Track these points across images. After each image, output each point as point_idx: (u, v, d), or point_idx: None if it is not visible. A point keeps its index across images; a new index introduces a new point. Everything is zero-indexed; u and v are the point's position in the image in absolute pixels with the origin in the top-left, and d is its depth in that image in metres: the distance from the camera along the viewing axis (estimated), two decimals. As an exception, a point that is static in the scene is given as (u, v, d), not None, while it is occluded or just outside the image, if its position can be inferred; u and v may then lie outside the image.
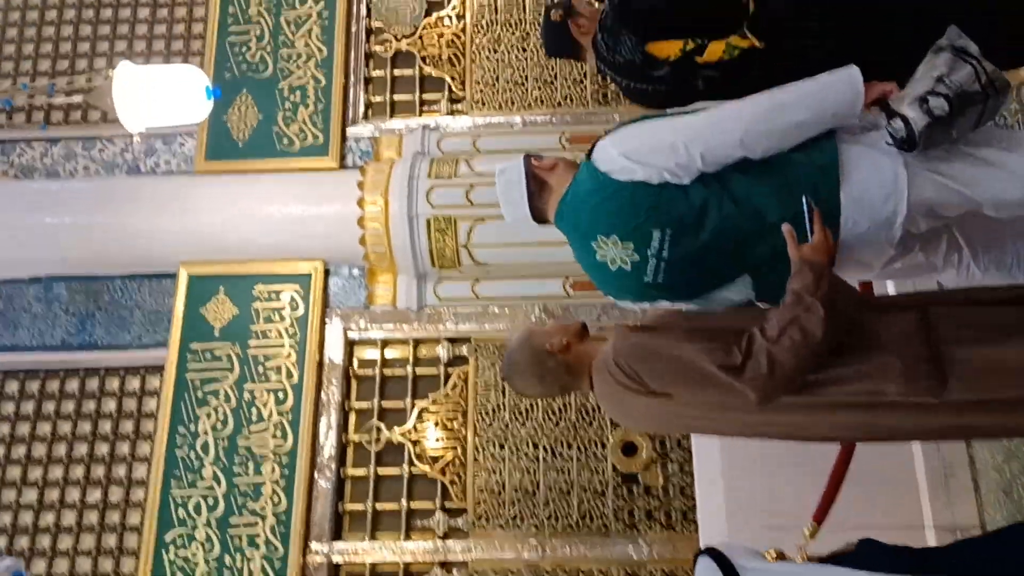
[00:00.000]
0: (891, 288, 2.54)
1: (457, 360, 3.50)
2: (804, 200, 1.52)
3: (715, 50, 1.92)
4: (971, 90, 1.51)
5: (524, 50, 3.88)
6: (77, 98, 2.96)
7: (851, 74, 1.62)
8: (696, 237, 1.69)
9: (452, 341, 3.51)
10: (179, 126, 3.31)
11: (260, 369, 3.40)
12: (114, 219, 3.52)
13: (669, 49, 1.95)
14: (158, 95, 2.80)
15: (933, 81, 1.52)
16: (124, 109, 2.76)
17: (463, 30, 3.94)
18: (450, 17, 3.97)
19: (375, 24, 3.99)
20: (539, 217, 1.85)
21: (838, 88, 1.64)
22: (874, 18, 1.92)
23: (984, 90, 1.51)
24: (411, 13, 3.97)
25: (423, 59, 3.92)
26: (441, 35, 3.94)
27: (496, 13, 3.93)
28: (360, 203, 3.44)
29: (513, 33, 3.90)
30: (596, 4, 2.24)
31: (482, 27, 3.92)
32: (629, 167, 1.69)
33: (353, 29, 3.94)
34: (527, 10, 3.92)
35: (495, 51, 3.89)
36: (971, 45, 1.54)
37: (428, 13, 3.97)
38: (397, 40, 3.95)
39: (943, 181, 1.65)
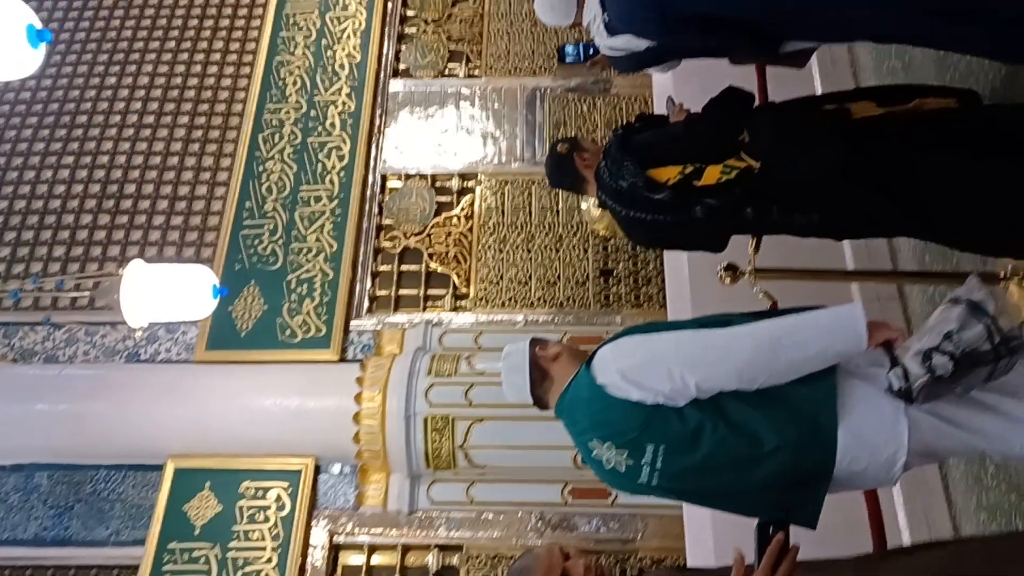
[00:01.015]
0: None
1: (447, 571, 3.30)
2: (756, 529, 1.39)
3: (712, 173, 1.98)
4: (981, 350, 1.46)
5: (529, 251, 3.98)
6: (85, 292, 3.01)
7: (854, 315, 1.61)
8: (690, 456, 1.68)
9: (443, 548, 3.32)
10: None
11: (238, 575, 3.21)
12: (108, 407, 3.47)
13: (669, 173, 2.02)
14: (165, 293, 2.84)
15: (940, 337, 1.47)
16: (129, 306, 2.78)
17: (470, 229, 4.07)
18: (458, 217, 4.11)
19: (386, 221, 4.13)
20: (540, 404, 1.88)
21: (841, 330, 1.62)
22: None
23: (996, 349, 1.46)
24: (421, 212, 4.13)
25: (430, 256, 4.02)
26: (449, 233, 4.07)
27: (503, 215, 4.08)
28: (358, 398, 3.39)
29: (519, 234, 4.02)
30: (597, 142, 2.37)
31: (489, 227, 4.06)
32: (624, 386, 1.70)
33: (364, 225, 4.08)
34: (532, 213, 4.07)
35: (500, 251, 4.00)
36: (989, 302, 1.51)
37: (438, 213, 4.12)
38: (406, 237, 4.08)
39: (947, 429, 1.60)
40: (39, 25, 2.13)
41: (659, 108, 4.09)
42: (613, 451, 1.75)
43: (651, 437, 1.69)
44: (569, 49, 3.08)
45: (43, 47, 2.10)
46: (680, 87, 3.21)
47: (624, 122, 2.26)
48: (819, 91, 3.27)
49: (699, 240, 2.21)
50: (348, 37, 4.54)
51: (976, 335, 1.47)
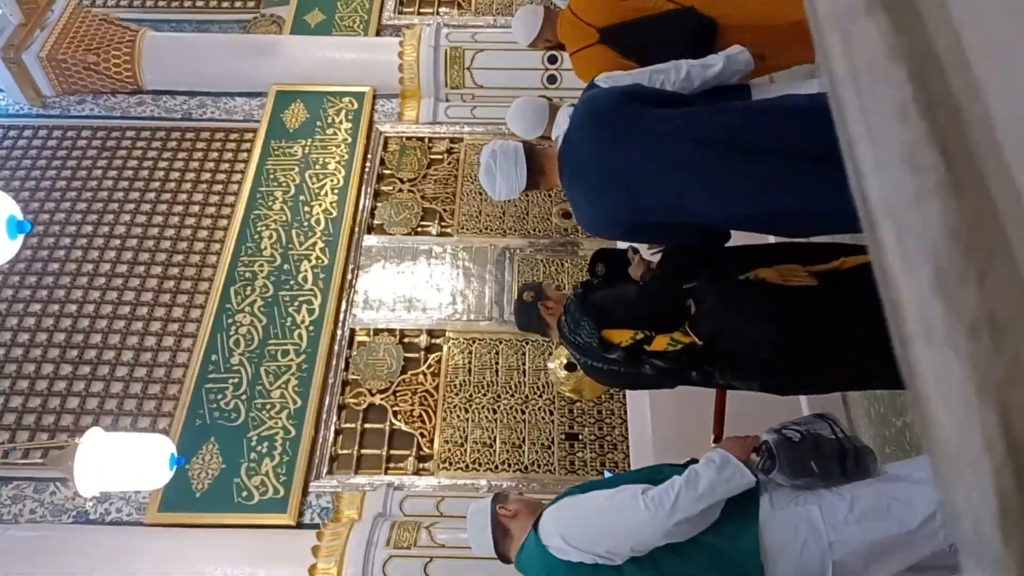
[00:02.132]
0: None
1: None
2: None
3: (661, 342, 2.16)
4: (825, 435, 1.92)
5: (495, 411, 3.99)
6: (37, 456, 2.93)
7: (738, 465, 1.95)
8: None
9: None
10: (136, 485, 3.25)
11: None
12: (49, 573, 3.31)
13: (621, 336, 2.19)
14: (121, 463, 2.78)
15: (791, 423, 1.99)
16: (82, 476, 2.71)
17: (436, 388, 4.08)
18: (425, 374, 4.13)
19: (352, 377, 4.14)
20: (504, 559, 2.12)
21: (734, 476, 1.93)
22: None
23: (839, 439, 1.91)
24: (388, 369, 4.14)
25: (395, 414, 4.01)
26: (415, 391, 4.07)
27: (470, 374, 4.11)
28: (312, 570, 3.28)
29: (485, 394, 4.04)
30: (562, 290, 2.56)
31: (455, 386, 4.07)
32: (565, 549, 1.93)
33: (330, 381, 4.07)
34: (499, 372, 4.10)
35: (466, 411, 4.00)
36: (840, 422, 2.00)
37: (404, 370, 4.14)
38: (371, 394, 4.07)
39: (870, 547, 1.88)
40: (20, 216, 2.19)
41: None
42: None
43: None
44: None
45: (21, 237, 2.15)
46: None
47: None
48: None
49: (652, 385, 2.45)
50: (326, 194, 4.70)
51: (822, 426, 1.96)
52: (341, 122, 4.98)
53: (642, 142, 2.15)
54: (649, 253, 2.56)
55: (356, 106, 5.04)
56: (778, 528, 1.91)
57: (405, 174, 4.88)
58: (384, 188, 4.85)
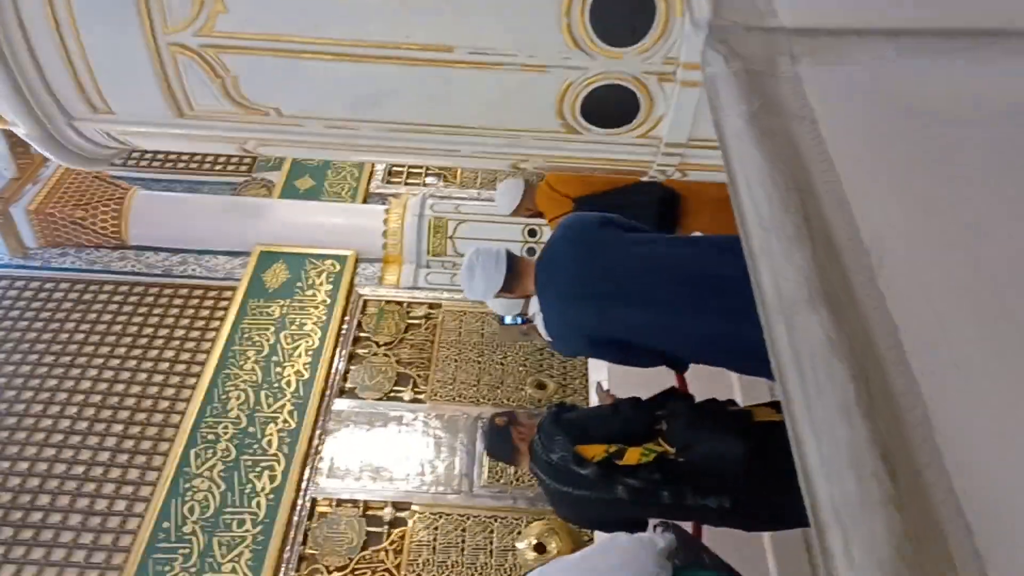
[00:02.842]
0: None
1: None
2: None
3: (633, 455, 2.22)
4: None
5: (458, 594, 3.77)
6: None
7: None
8: None
9: None
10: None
11: None
12: None
13: (594, 451, 2.25)
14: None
15: None
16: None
17: (398, 567, 3.87)
18: (387, 551, 3.93)
19: (309, 551, 3.92)
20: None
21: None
22: None
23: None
24: (348, 544, 3.94)
25: (352, 595, 3.77)
26: (374, 571, 3.86)
27: (434, 552, 3.91)
28: None
29: None
30: (533, 419, 2.56)
31: (417, 566, 3.87)
32: None
33: (286, 555, 3.86)
34: (464, 551, 3.91)
35: (428, 593, 3.78)
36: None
37: (365, 546, 3.94)
38: (328, 572, 3.84)
39: None
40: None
41: (592, 396, 4.22)
42: None
43: None
44: (507, 319, 3.68)
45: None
46: (613, 374, 3.65)
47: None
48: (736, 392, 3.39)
49: (620, 520, 2.34)
50: (299, 355, 4.67)
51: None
52: (321, 284, 5.04)
53: (615, 264, 2.29)
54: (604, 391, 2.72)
55: (338, 269, 5.12)
56: None
57: (382, 337, 4.89)
58: (359, 351, 4.83)
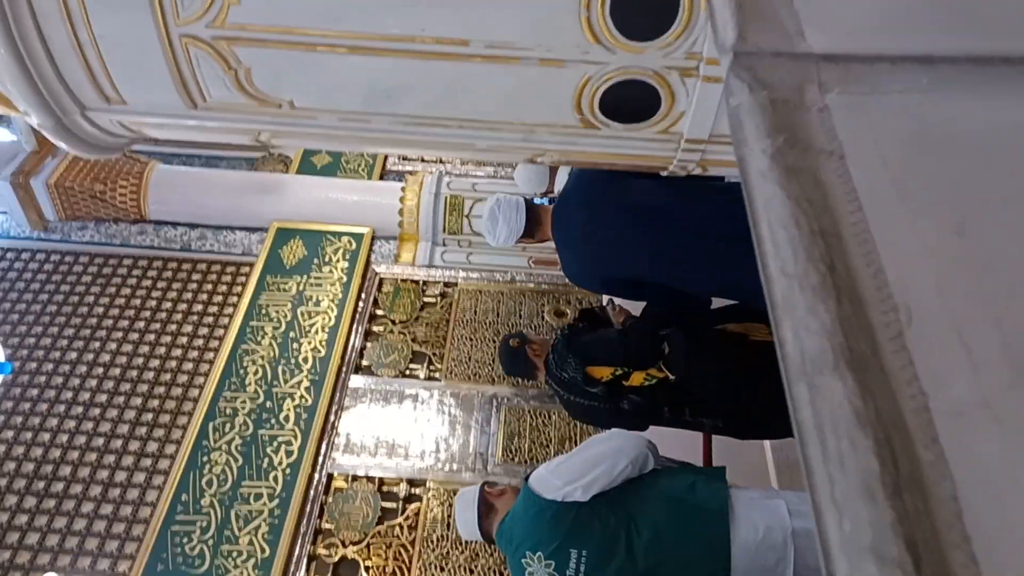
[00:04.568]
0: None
1: None
2: None
3: (637, 377, 2.48)
4: None
5: (471, 572, 3.81)
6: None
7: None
8: (607, 566, 2.07)
9: None
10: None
11: None
12: None
13: (603, 372, 2.51)
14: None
15: None
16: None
17: (412, 542, 3.92)
18: (401, 527, 3.98)
19: (326, 525, 3.98)
20: (486, 536, 2.36)
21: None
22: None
23: None
24: (363, 519, 3.99)
25: (366, 568, 3.82)
26: (389, 545, 3.91)
27: (448, 529, 3.95)
28: None
29: (462, 552, 3.87)
30: (542, 335, 2.86)
31: (432, 541, 3.91)
32: (567, 490, 2.18)
33: (302, 529, 3.91)
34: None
35: (442, 569, 3.82)
36: None
37: (380, 520, 3.99)
38: (344, 546, 3.90)
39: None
40: (1, 357, 2.16)
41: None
42: (542, 563, 2.11)
43: (574, 543, 2.10)
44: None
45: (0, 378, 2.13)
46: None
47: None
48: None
49: (626, 424, 2.56)
50: (316, 332, 4.69)
51: None
52: (338, 261, 5.04)
53: (623, 216, 2.40)
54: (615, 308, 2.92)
55: (354, 246, 5.12)
56: (743, 515, 2.13)
57: (397, 315, 4.89)
58: (375, 329, 4.85)
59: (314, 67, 1.53)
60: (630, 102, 1.56)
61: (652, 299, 2.63)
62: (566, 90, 1.55)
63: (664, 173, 1.75)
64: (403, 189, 5.23)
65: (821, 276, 0.58)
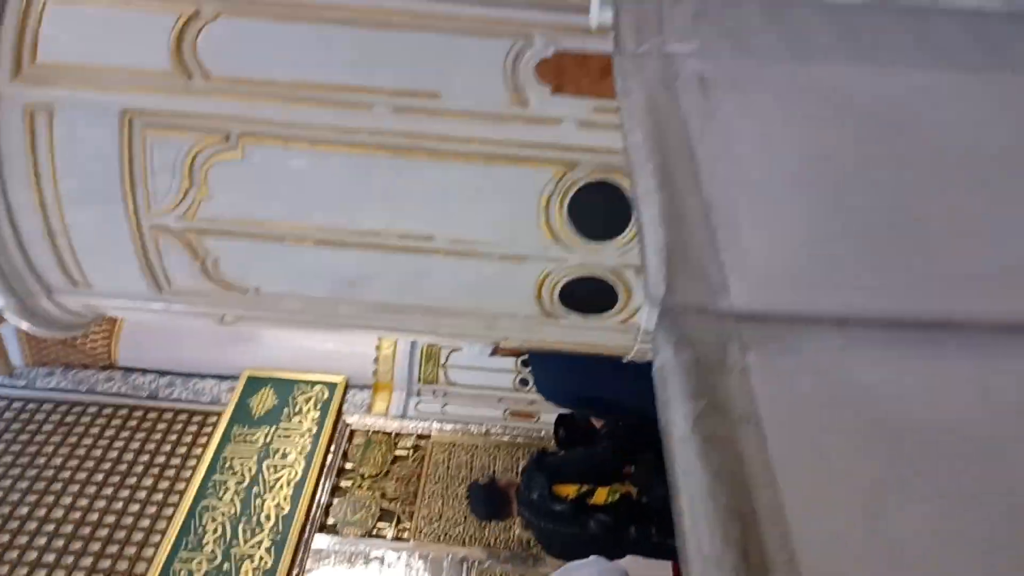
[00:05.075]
0: None
1: None
2: None
3: (602, 494, 2.51)
4: None
5: None
6: None
7: None
8: None
9: None
10: None
11: None
12: None
13: (568, 490, 2.53)
14: None
15: None
16: None
17: None
18: None
19: None
20: None
21: None
22: None
23: None
24: None
25: None
26: None
27: None
28: None
29: None
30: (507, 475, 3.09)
31: None
32: None
33: None
34: None
35: None
36: None
37: None
38: None
39: None
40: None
41: None
42: None
43: None
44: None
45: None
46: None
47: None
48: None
49: (600, 550, 2.54)
50: (281, 487, 4.54)
51: None
52: (309, 411, 4.97)
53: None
54: None
55: (327, 396, 5.06)
56: None
57: (367, 469, 4.77)
58: (343, 483, 4.70)
59: (281, 257, 1.58)
60: (589, 295, 1.61)
61: (624, 417, 2.69)
62: (527, 283, 1.60)
63: (625, 360, 1.78)
64: (379, 337, 5.24)
65: (734, 565, 0.58)
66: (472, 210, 1.54)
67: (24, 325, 1.67)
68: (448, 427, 5.09)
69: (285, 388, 5.14)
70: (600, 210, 1.52)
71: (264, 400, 5.03)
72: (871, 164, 0.97)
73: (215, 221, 1.54)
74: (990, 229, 0.85)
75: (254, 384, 5.13)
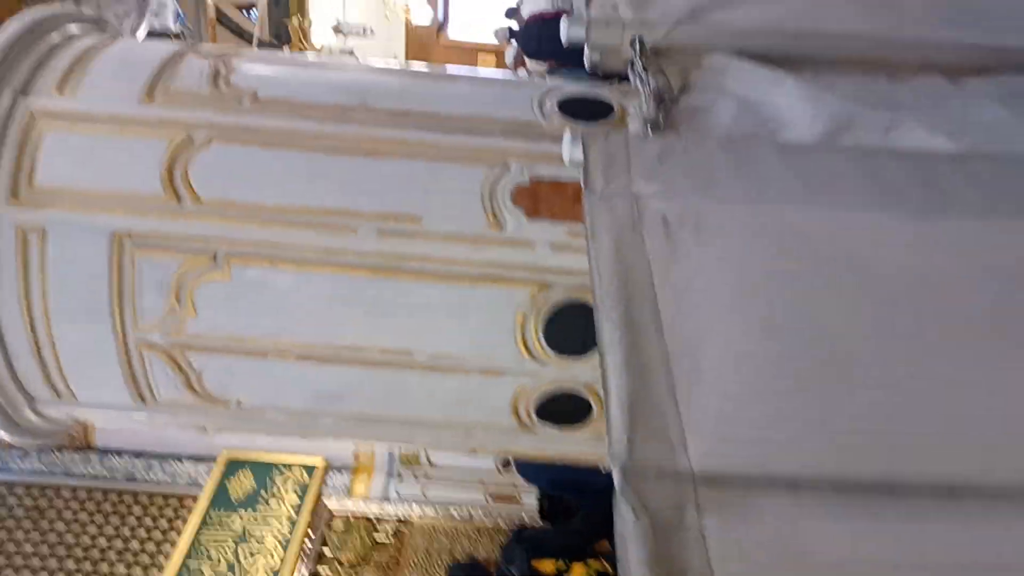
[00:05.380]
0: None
1: None
2: None
3: (579, 570, 2.64)
4: None
5: None
6: None
7: None
8: None
9: None
10: None
11: None
12: None
13: (546, 566, 2.66)
14: None
15: None
16: None
17: None
18: None
19: None
20: None
21: None
22: None
23: None
24: None
25: None
26: None
27: None
28: None
29: None
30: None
31: None
32: None
33: None
34: None
35: None
36: None
37: None
38: None
39: None
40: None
41: None
42: None
43: None
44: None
45: None
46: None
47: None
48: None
49: None
50: (258, 572, 4.45)
51: None
52: (287, 494, 4.90)
53: None
54: None
55: (306, 479, 5.00)
56: None
57: (346, 556, 4.68)
58: (321, 571, 4.62)
59: (263, 371, 1.61)
60: (564, 408, 1.65)
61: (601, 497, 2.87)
62: (503, 397, 1.64)
63: (603, 467, 1.81)
64: (360, 421, 5.22)
65: None
66: (451, 327, 1.59)
67: (4, 436, 1.68)
68: (429, 511, 5.04)
69: (263, 470, 5.09)
70: (574, 328, 1.57)
71: (242, 483, 4.98)
72: (823, 314, 1.03)
73: (200, 337, 1.58)
74: (936, 386, 0.91)
75: (232, 466, 5.07)
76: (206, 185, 1.54)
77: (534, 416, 1.66)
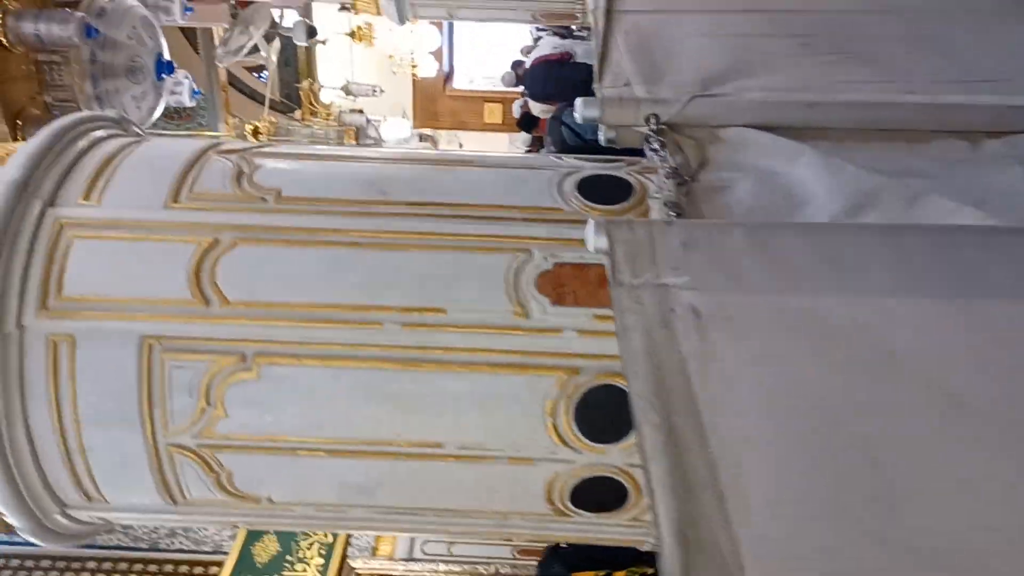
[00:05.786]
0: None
1: None
2: None
3: None
4: None
5: None
6: None
7: None
8: None
9: None
10: None
11: None
12: None
13: None
14: None
15: None
16: None
17: None
18: None
19: None
20: None
21: None
22: None
23: None
24: None
25: None
26: None
27: None
28: None
29: None
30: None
31: None
32: None
33: None
34: None
35: None
36: None
37: None
38: None
39: None
40: None
41: None
42: None
43: None
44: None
45: None
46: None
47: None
48: None
49: None
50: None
51: None
52: (312, 556, 4.86)
53: None
54: None
55: (331, 540, 4.96)
56: None
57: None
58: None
59: (294, 468, 1.60)
60: (600, 494, 1.63)
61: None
62: (537, 484, 1.62)
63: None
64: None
65: None
66: (480, 417, 1.58)
67: (36, 540, 1.67)
68: (456, 568, 4.99)
69: (287, 534, 5.06)
70: (605, 412, 1.56)
71: (267, 547, 4.94)
72: (856, 412, 1.02)
73: (230, 437, 1.57)
74: (968, 488, 0.89)
75: (256, 532, 5.04)
76: (233, 286, 1.55)
77: (568, 503, 1.64)
